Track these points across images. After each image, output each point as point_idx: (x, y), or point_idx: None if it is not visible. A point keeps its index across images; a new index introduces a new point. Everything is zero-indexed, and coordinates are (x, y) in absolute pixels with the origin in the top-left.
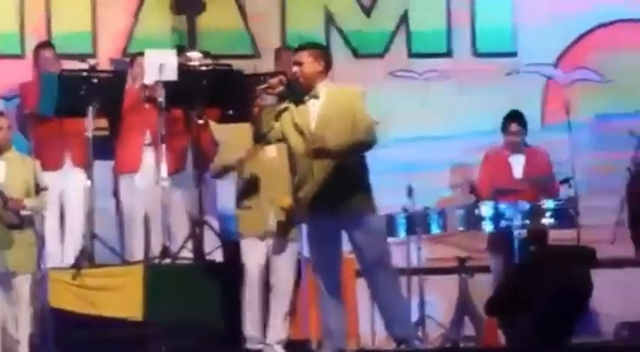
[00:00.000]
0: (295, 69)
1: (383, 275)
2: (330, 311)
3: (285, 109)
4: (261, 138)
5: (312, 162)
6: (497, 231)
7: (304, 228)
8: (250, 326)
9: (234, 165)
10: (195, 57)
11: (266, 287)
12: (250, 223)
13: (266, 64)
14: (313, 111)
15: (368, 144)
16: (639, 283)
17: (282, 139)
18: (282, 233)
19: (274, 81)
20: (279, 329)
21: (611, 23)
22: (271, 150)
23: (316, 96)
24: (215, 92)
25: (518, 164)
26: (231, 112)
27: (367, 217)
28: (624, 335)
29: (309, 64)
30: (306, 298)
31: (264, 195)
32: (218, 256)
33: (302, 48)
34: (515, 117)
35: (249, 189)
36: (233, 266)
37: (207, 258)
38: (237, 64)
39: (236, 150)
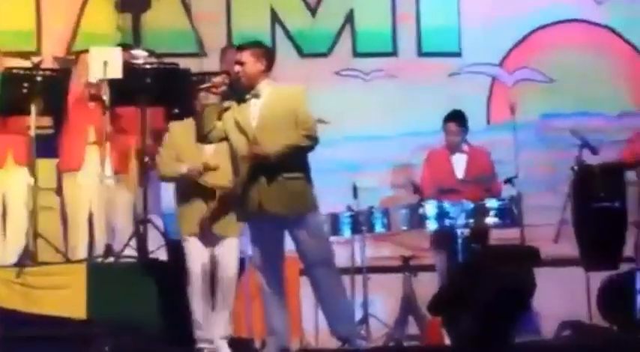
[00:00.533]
0: (237, 68)
1: (325, 274)
2: (273, 308)
3: (228, 108)
4: (203, 138)
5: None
6: (440, 230)
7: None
8: (197, 324)
9: (188, 175)
10: (140, 55)
11: (211, 285)
12: (190, 223)
13: (212, 63)
14: (254, 110)
15: (309, 145)
16: (582, 282)
17: (225, 138)
18: (208, 225)
19: (217, 80)
20: (222, 326)
21: (554, 23)
22: (209, 151)
23: (258, 96)
24: (160, 91)
25: (459, 164)
26: (177, 111)
27: (309, 216)
28: (566, 335)
29: (250, 63)
30: (250, 296)
31: (202, 195)
32: (162, 255)
33: (243, 47)
34: (454, 118)
35: (187, 189)
36: (177, 264)
37: (152, 256)
38: (183, 63)
39: (179, 149)
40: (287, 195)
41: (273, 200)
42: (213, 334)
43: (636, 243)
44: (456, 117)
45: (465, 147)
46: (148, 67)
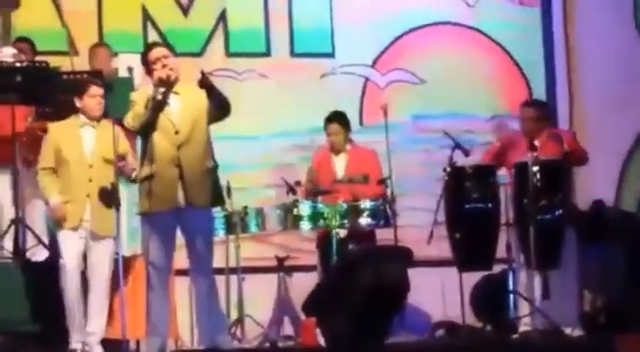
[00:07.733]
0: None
1: (207, 279)
2: (157, 306)
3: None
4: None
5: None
6: (316, 231)
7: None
8: (72, 322)
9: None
10: (8, 53)
11: (85, 282)
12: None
13: (83, 61)
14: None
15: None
16: (455, 283)
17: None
18: (107, 201)
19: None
20: (96, 326)
21: (426, 25)
22: (88, 143)
23: (177, 93)
24: (30, 89)
25: (340, 164)
26: (47, 110)
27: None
28: (440, 335)
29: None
30: (124, 297)
31: (79, 187)
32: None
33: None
34: (334, 118)
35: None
36: (53, 263)
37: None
38: (54, 62)
39: (60, 150)
40: (208, 186)
41: (198, 191)
42: (87, 334)
43: (508, 244)
44: (337, 118)
45: (348, 147)
46: (17, 65)
